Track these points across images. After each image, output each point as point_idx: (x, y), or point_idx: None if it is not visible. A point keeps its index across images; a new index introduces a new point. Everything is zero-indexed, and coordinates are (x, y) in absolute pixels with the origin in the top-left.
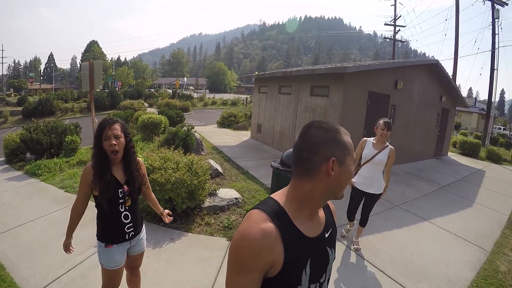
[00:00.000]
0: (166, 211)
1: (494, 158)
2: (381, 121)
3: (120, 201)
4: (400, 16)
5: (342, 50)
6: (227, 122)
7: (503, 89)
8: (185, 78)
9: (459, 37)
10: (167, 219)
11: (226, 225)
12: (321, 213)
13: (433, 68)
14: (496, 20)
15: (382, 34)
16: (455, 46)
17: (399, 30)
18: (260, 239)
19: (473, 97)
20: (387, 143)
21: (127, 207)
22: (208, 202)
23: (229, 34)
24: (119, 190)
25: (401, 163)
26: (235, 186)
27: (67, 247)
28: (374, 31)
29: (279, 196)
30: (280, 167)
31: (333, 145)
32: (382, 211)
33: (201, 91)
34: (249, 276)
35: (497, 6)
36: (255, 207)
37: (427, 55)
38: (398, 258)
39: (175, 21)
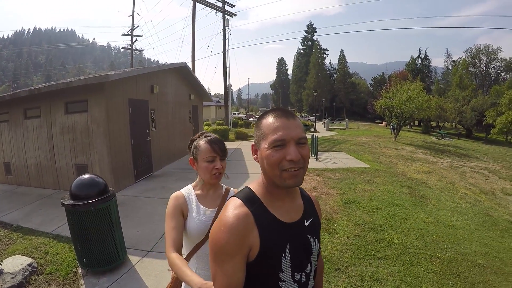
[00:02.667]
0: None
1: (242, 137)
2: (201, 142)
3: None
4: (138, 26)
5: (76, 64)
6: None
7: (230, 82)
8: None
9: (196, 42)
10: None
11: None
12: (299, 201)
13: (182, 70)
14: (227, 27)
15: (116, 45)
16: (192, 51)
17: (136, 39)
18: (234, 222)
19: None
20: (223, 186)
21: None
22: None
23: None
24: None
25: (170, 163)
26: (17, 250)
27: None
28: (108, 42)
29: (254, 184)
30: (75, 202)
31: (254, 131)
32: None
33: None
34: (231, 262)
35: (227, 16)
36: (233, 195)
37: (160, 61)
38: None
39: None
